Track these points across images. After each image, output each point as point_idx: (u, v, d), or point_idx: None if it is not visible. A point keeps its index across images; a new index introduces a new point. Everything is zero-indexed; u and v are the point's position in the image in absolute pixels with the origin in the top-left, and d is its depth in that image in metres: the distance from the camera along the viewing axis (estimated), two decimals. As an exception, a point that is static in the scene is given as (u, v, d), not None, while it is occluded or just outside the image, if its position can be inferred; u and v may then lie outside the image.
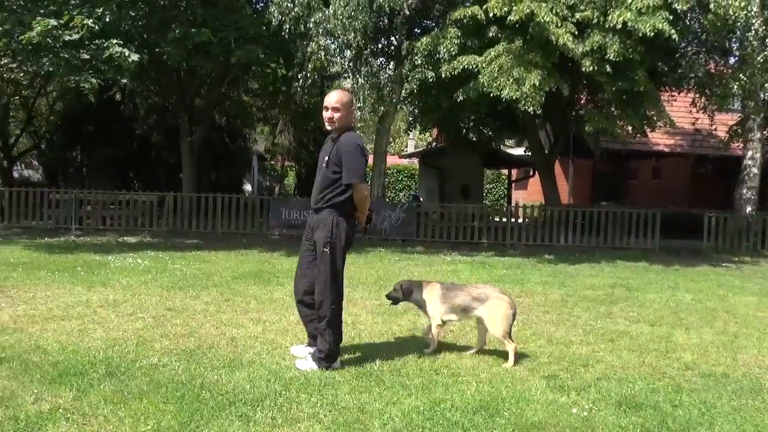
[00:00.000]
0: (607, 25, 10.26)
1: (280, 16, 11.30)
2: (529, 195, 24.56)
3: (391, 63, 14.32)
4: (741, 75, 12.18)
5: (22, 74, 16.98)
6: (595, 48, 10.38)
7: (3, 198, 13.99)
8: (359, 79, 12.16)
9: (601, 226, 13.94)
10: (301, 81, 12.14)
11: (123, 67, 11.11)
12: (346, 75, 13.30)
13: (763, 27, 11.88)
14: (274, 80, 15.61)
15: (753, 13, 11.09)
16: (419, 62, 11.75)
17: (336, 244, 4.21)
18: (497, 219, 15.10)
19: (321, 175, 4.29)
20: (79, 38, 10.72)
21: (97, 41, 11.01)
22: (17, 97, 20.48)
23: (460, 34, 11.22)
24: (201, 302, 6.33)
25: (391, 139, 26.69)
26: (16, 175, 22.95)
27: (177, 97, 16.28)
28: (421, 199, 20.38)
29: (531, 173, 21.02)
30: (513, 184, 24.92)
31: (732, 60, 14.22)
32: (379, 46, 14.09)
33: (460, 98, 11.41)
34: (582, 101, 14.86)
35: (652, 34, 10.00)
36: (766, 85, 11.97)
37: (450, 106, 13.06)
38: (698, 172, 21.14)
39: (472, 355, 4.70)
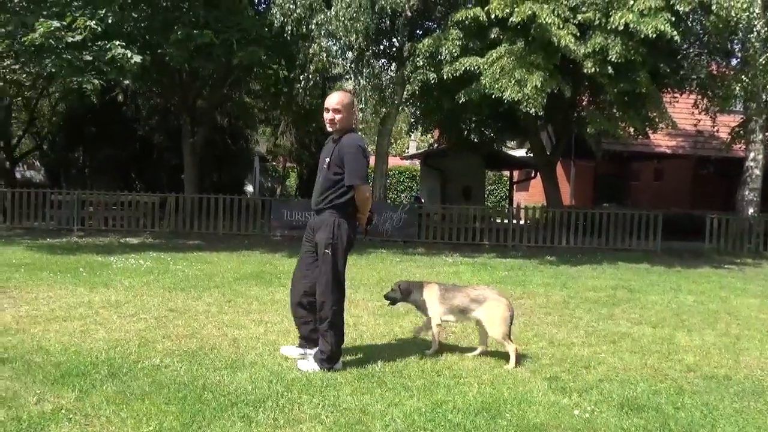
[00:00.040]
0: (608, 27, 10.26)
1: (282, 18, 11.32)
2: (531, 196, 24.54)
3: (393, 64, 14.33)
4: (743, 76, 12.18)
5: (24, 75, 17.02)
6: (597, 49, 10.39)
7: (5, 199, 14.02)
8: (361, 81, 12.17)
9: (602, 228, 13.93)
10: (302, 82, 12.16)
11: (125, 68, 11.13)
12: (347, 76, 13.31)
13: (766, 28, 11.88)
14: (276, 81, 15.64)
15: (755, 14, 11.08)
16: (421, 64, 11.76)
17: (338, 245, 4.22)
18: (499, 220, 15.09)
19: (322, 176, 4.29)
20: (82, 39, 10.75)
21: (99, 42, 11.04)
22: (20, 99, 20.51)
23: (461, 35, 11.22)
24: (203, 303, 6.34)
25: (392, 141, 26.69)
26: (18, 176, 23.00)
27: (179, 98, 16.30)
28: (423, 201, 20.38)
29: (532, 175, 20.99)
30: (514, 186, 24.90)
31: (734, 61, 14.21)
32: (381, 47, 14.11)
33: (462, 100, 11.42)
34: (584, 103, 14.84)
35: (654, 35, 10.00)
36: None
37: (451, 108, 13.06)
38: (700, 174, 21.11)
39: (474, 356, 4.70)
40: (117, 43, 10.94)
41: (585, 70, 10.66)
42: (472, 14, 10.97)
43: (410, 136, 28.14)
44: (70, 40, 10.65)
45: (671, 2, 10.20)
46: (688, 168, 21.21)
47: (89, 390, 3.63)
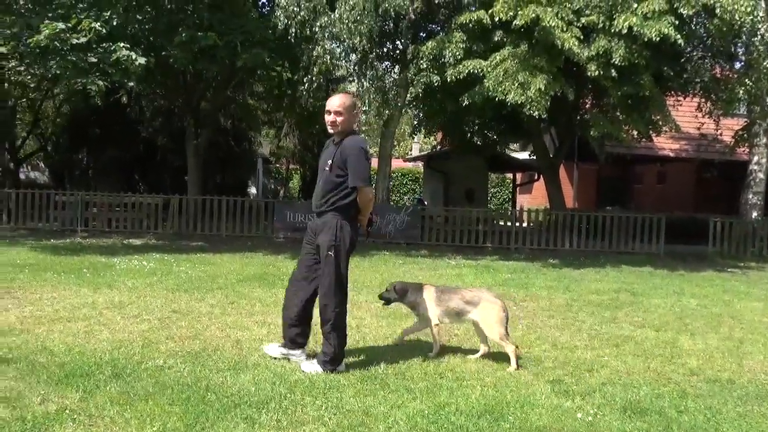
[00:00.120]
0: (612, 30, 10.25)
1: (286, 20, 11.34)
2: (534, 199, 24.52)
3: (397, 67, 14.36)
4: (747, 80, 12.15)
5: (29, 77, 17.03)
6: (601, 52, 10.38)
7: (9, 200, 14.06)
8: (364, 83, 12.19)
9: (606, 231, 13.91)
10: (306, 84, 12.18)
11: (130, 70, 11.17)
12: (351, 79, 13.35)
13: (770, 32, 11.86)
14: (280, 83, 15.66)
15: (759, 18, 11.07)
16: (424, 66, 11.77)
17: (340, 247, 4.22)
18: (502, 223, 15.08)
19: (323, 178, 4.30)
20: (87, 41, 10.79)
21: (104, 44, 11.08)
22: (24, 100, 20.59)
23: (465, 38, 11.23)
24: (206, 304, 6.35)
25: (395, 143, 26.73)
26: (22, 176, 23.05)
27: (183, 100, 16.34)
28: (426, 203, 20.38)
29: (536, 177, 20.98)
30: (518, 188, 24.88)
31: (738, 65, 14.18)
32: (385, 50, 14.12)
33: (466, 102, 11.42)
34: (587, 105, 14.83)
35: (658, 38, 9.99)
36: (772, 90, 11.96)
37: (455, 110, 13.07)
38: (704, 177, 21.07)
39: (476, 359, 4.70)
40: (122, 45, 10.98)
41: (588, 73, 10.65)
42: (475, 17, 10.97)
43: (413, 138, 28.21)
44: (75, 41, 10.69)
45: (675, 6, 10.19)
46: (691, 171, 21.17)
47: (93, 390, 3.65)
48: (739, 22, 10.40)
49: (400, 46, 13.64)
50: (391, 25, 13.15)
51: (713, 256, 13.43)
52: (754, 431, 3.54)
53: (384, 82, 12.90)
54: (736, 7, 10.12)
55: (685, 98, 14.74)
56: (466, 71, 10.99)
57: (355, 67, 12.54)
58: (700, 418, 3.67)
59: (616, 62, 10.29)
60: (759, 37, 11.78)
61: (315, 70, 11.75)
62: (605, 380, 4.33)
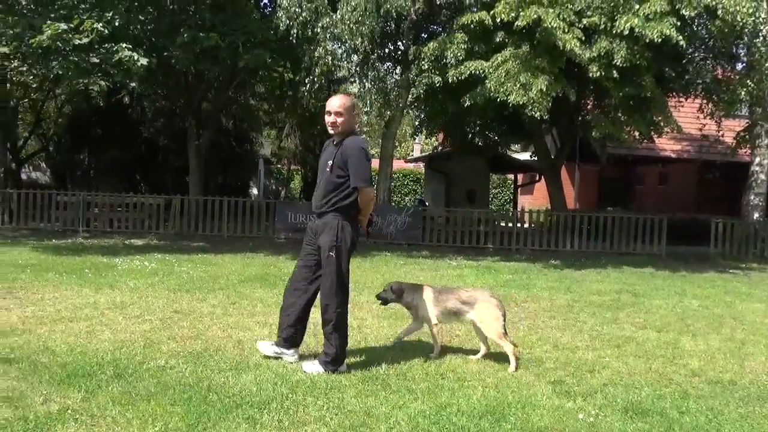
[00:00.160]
0: (614, 31, 10.25)
1: (287, 21, 11.36)
2: (535, 200, 24.52)
3: (398, 68, 14.36)
4: (748, 81, 12.14)
5: (31, 77, 17.05)
6: (602, 54, 10.38)
7: (11, 200, 14.09)
8: (366, 84, 12.19)
9: (607, 232, 13.90)
10: (308, 85, 12.19)
11: (132, 70, 11.19)
12: (353, 79, 13.34)
13: (771, 33, 11.84)
14: (281, 84, 15.67)
15: (761, 19, 11.05)
16: (426, 67, 11.77)
17: (342, 247, 4.23)
18: (503, 224, 15.08)
19: (324, 179, 4.30)
20: (89, 42, 10.81)
21: (106, 45, 11.10)
22: (26, 100, 20.60)
23: (467, 39, 11.23)
24: (208, 305, 6.36)
25: (397, 144, 26.73)
26: (24, 177, 23.08)
27: (184, 100, 16.36)
28: (427, 204, 20.38)
29: (537, 178, 20.98)
30: (519, 189, 24.88)
31: (739, 66, 14.17)
32: (386, 50, 14.13)
33: (467, 103, 11.42)
34: (589, 106, 14.83)
35: (660, 40, 9.98)
36: (773, 91, 11.95)
37: (456, 111, 13.07)
38: (705, 178, 21.06)
39: (477, 359, 4.70)
40: (124, 45, 11.01)
41: (590, 74, 10.65)
42: (477, 18, 10.98)
43: (415, 139, 28.21)
44: (77, 42, 10.71)
45: (677, 7, 10.19)
46: (693, 172, 21.16)
47: (95, 390, 3.65)
48: (740, 24, 10.39)
49: (402, 47, 13.65)
50: (393, 25, 13.16)
51: (715, 257, 13.42)
52: (755, 432, 3.54)
53: (385, 83, 12.91)
54: (737, 8, 10.11)
55: (686, 99, 14.74)
56: (468, 72, 10.99)
57: (357, 68, 12.54)
58: (702, 419, 3.67)
59: (618, 63, 10.29)
60: (761, 38, 11.76)
61: (316, 70, 11.76)
62: (607, 381, 4.33)
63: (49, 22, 10.64)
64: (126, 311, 5.87)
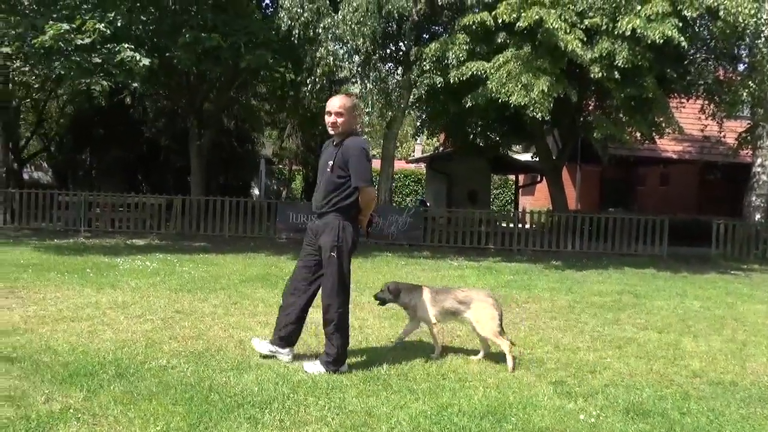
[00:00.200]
0: (616, 32, 10.25)
1: (289, 22, 11.37)
2: (537, 201, 24.52)
3: (400, 68, 14.36)
4: (750, 82, 12.13)
5: (33, 77, 17.13)
6: (604, 54, 10.38)
7: (13, 200, 14.11)
8: (368, 84, 12.21)
9: (608, 233, 13.90)
10: (309, 86, 12.20)
11: (134, 71, 11.21)
12: (354, 80, 13.37)
13: (773, 34, 11.84)
14: (283, 85, 15.69)
15: (763, 20, 11.06)
16: (427, 68, 11.78)
17: (343, 248, 4.23)
18: (504, 224, 15.09)
19: (325, 179, 4.30)
20: (91, 42, 10.83)
21: (108, 45, 11.12)
22: (28, 100, 20.66)
23: (468, 40, 11.23)
24: (209, 305, 6.36)
25: (398, 144, 26.72)
26: (26, 177, 23.12)
27: (186, 100, 16.39)
28: (428, 204, 20.38)
29: (538, 179, 20.99)
30: (520, 190, 24.89)
31: (741, 67, 14.17)
32: (388, 51, 14.14)
33: (469, 104, 11.42)
34: (590, 107, 14.83)
35: (661, 41, 9.99)
36: (775, 92, 11.94)
37: (458, 112, 13.07)
38: (707, 179, 21.05)
39: (478, 359, 4.71)
40: (126, 45, 11.03)
41: (592, 75, 10.66)
42: (479, 19, 10.98)
43: (416, 139, 28.20)
44: (79, 42, 10.73)
45: (678, 8, 10.19)
46: (694, 173, 21.15)
47: (97, 390, 3.66)
48: (742, 25, 10.39)
49: (403, 48, 13.66)
50: (395, 26, 13.17)
51: (716, 259, 13.41)
52: (757, 433, 3.54)
53: (387, 84, 12.91)
54: (739, 9, 10.11)
55: (688, 100, 14.74)
56: (469, 73, 10.99)
57: (358, 69, 12.55)
58: (703, 420, 3.67)
59: (620, 64, 10.29)
60: (762, 39, 11.77)
61: (318, 71, 11.77)
62: (608, 382, 4.33)
63: (51, 22, 10.66)
64: (128, 311, 5.88)
